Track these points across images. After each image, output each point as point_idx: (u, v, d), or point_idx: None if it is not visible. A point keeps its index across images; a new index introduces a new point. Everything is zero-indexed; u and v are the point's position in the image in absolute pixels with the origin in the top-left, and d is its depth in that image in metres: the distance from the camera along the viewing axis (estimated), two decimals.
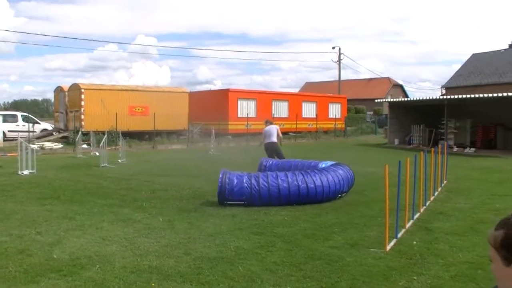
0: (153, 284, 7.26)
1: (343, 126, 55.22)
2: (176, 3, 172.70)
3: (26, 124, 38.65)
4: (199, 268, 8.04)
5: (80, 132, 32.18)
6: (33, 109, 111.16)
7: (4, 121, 39.80)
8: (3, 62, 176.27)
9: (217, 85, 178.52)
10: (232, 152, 33.55)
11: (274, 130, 20.41)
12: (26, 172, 19.87)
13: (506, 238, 1.90)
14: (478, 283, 7.46)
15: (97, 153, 28.26)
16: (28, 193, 15.42)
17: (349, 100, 64.27)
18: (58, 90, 43.76)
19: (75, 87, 39.39)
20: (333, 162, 16.21)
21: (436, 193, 15.38)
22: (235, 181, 13.24)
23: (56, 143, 36.08)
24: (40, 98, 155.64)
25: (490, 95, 33.86)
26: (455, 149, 35.32)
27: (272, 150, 20.07)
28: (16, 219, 11.74)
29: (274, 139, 20.15)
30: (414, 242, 9.81)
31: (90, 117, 36.84)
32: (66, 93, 41.24)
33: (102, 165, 23.18)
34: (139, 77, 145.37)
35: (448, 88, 62.14)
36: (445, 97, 40.93)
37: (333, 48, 69.86)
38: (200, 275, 7.73)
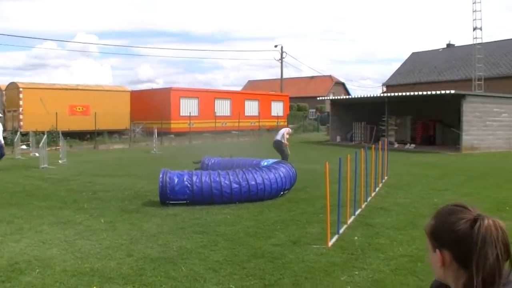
0: (94, 287, 7.17)
1: (286, 123, 55.53)
2: (117, 0, 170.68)
3: None
4: (142, 269, 7.98)
5: (18, 133, 31.51)
6: None
7: None
8: None
9: (159, 84, 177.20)
10: (175, 151, 33.43)
11: (281, 131, 22.53)
12: None
13: (434, 227, 2.04)
14: (418, 275, 7.63)
15: (36, 154, 27.72)
16: None
17: (291, 98, 64.65)
18: None
19: (13, 86, 38.55)
20: (275, 160, 16.31)
21: (377, 189, 15.61)
22: (176, 180, 13.18)
23: None
24: None
25: (429, 92, 34.59)
26: (396, 145, 35.99)
27: (274, 147, 21.99)
28: None
29: (278, 137, 21.91)
30: (356, 238, 9.95)
31: (29, 117, 36.09)
32: (4, 92, 40.25)
33: (42, 166, 22.77)
34: (79, 75, 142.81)
35: (389, 86, 63.35)
36: (385, 94, 41.60)
37: (276, 46, 70.14)
38: (142, 276, 7.68)
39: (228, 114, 49.47)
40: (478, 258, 1.88)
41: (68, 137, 33.64)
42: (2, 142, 22.59)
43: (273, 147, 22.04)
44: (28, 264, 8.31)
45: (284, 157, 20.83)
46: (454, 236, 1.95)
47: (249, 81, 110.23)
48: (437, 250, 2.02)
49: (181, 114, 44.82)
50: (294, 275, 7.69)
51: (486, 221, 1.93)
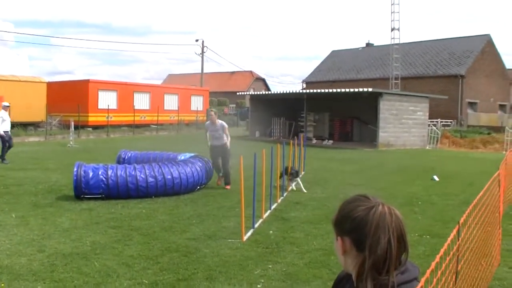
0: (2, 285, 6.95)
1: (205, 118, 55.44)
2: None
3: None
4: (53, 265, 7.80)
5: None
6: None
7: None
8: None
9: (78, 75, 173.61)
10: (92, 144, 32.90)
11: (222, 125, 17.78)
12: None
13: (336, 216, 2.13)
14: (331, 268, 7.77)
15: None
16: None
17: (212, 93, 64.64)
18: None
19: None
20: (192, 154, 16.26)
21: (294, 184, 15.77)
22: (91, 173, 12.95)
23: None
24: None
25: (347, 90, 35.28)
26: (314, 141, 36.49)
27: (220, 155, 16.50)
28: None
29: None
30: (271, 232, 10.04)
31: None
32: None
33: None
34: None
35: (308, 82, 64.28)
36: (304, 91, 42.14)
37: (197, 40, 69.84)
38: (53, 272, 7.50)
39: (147, 107, 48.99)
40: (371, 242, 1.95)
41: None
42: (9, 133, 21.95)
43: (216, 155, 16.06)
44: None
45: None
46: (352, 223, 2.02)
47: (169, 75, 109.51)
48: (339, 238, 2.08)
49: (99, 107, 44.09)
50: (208, 269, 7.70)
51: (380, 208, 2.01)
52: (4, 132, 21.07)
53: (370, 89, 33.51)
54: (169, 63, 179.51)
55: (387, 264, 1.94)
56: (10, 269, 7.62)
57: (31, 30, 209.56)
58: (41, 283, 7.06)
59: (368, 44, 66.87)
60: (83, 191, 12.92)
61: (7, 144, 21.28)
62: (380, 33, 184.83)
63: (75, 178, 12.93)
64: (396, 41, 48.29)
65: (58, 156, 24.02)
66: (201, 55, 69.47)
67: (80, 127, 39.03)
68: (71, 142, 31.95)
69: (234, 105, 78.16)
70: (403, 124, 34.20)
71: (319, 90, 37.61)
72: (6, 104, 22.37)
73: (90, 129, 42.44)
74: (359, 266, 2.00)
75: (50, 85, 43.04)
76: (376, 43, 66.60)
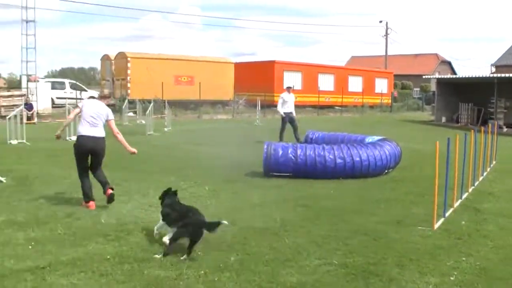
0: (199, 253, 7.28)
1: (390, 101, 54.58)
2: None
3: (74, 91, 39.21)
4: (245, 239, 8.03)
5: (126, 100, 32.47)
6: (79, 76, 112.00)
7: (53, 88, 39.91)
8: (48, 31, 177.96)
9: (260, 57, 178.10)
10: (277, 123, 33.48)
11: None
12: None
13: None
14: None
15: (143, 121, 28.46)
16: None
17: (395, 76, 63.53)
18: (105, 58, 44.06)
19: (122, 56, 39.67)
20: (380, 137, 16.04)
21: (484, 174, 15.06)
22: (281, 152, 13.21)
23: None
24: (86, 67, 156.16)
25: None
26: (505, 129, 34.61)
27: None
28: (64, 183, 11.99)
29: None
30: (463, 222, 9.59)
31: (136, 86, 37.06)
32: (113, 61, 41.48)
33: (148, 133, 23.37)
34: (183, 46, 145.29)
35: (498, 66, 61.14)
36: (495, 75, 40.12)
37: (380, 22, 68.91)
38: (245, 245, 7.73)
39: (332, 89, 49.10)
40: None
41: (172, 106, 34.36)
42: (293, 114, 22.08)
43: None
44: (135, 225, 8.57)
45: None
46: None
47: (352, 57, 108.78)
48: None
49: (284, 88, 44.83)
50: (398, 255, 7.51)
51: None
52: (285, 113, 21.56)
53: None
54: (349, 45, 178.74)
55: None
56: (205, 238, 7.92)
57: (216, 14, 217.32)
58: (234, 255, 7.29)
59: None
60: (272, 168, 13.21)
61: (285, 126, 21.63)
62: None
63: (265, 156, 13.26)
64: None
65: (245, 134, 24.78)
66: (385, 37, 68.51)
67: (265, 106, 39.89)
68: (257, 121, 32.84)
69: (418, 89, 76.26)
70: None
71: (511, 75, 35.50)
72: (290, 85, 23.08)
73: (275, 108, 43.33)
74: None
75: (236, 65, 44.40)
76: None
